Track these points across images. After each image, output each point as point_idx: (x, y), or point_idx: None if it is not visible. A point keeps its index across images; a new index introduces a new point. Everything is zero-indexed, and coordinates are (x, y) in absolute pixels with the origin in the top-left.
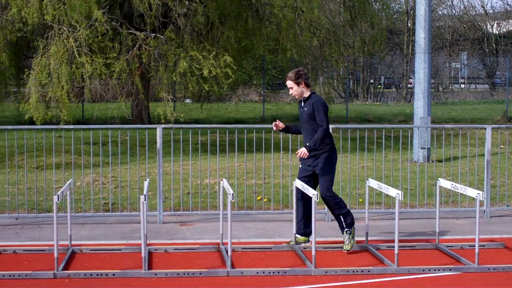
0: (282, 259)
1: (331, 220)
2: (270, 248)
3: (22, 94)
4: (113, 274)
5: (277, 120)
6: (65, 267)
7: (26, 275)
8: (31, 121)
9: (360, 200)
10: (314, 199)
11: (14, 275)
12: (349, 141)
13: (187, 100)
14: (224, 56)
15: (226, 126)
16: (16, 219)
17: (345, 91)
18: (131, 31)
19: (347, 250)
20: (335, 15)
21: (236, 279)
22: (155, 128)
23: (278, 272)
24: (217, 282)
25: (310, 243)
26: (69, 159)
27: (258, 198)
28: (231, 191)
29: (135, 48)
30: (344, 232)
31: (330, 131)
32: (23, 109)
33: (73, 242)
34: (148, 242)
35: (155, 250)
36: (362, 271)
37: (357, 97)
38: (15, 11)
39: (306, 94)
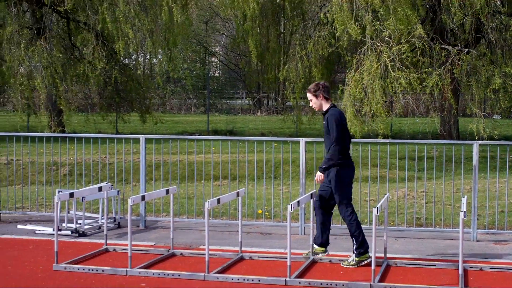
0: None
1: None
2: None
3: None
4: None
5: None
6: (381, 279)
7: (342, 285)
8: None
9: None
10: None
11: (331, 284)
12: None
13: (496, 116)
14: None
15: None
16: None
17: None
18: (443, 46)
19: (345, 265)
20: None
21: None
22: (471, 144)
23: None
24: None
25: (327, 254)
26: (381, 172)
27: None
28: None
29: (447, 63)
30: (353, 251)
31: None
32: None
33: (387, 255)
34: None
35: (470, 268)
36: None
37: None
38: (341, 28)
39: (325, 107)
